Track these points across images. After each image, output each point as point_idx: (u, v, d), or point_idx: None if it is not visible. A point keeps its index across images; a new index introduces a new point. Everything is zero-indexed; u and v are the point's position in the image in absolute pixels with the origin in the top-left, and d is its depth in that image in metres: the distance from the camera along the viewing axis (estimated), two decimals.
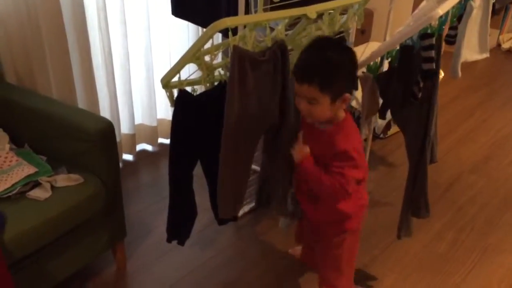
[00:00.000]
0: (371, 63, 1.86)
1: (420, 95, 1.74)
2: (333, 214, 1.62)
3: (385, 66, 1.95)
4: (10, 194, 1.57)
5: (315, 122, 1.52)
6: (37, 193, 1.59)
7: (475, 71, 3.97)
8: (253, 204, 2.39)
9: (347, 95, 1.43)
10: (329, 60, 1.39)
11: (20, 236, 1.48)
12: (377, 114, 2.03)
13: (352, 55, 1.47)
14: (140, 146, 2.81)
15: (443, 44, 4.18)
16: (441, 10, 1.59)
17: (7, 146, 1.77)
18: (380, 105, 1.95)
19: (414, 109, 1.77)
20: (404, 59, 1.75)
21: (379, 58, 1.87)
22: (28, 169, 1.66)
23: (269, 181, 1.89)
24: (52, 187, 1.64)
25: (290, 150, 1.60)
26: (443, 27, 1.72)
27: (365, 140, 2.15)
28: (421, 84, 1.74)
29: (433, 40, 1.68)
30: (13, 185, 1.59)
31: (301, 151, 1.56)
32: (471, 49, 2.13)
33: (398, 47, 1.78)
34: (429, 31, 1.69)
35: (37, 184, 1.63)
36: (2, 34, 1.94)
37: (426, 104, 1.75)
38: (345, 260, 1.71)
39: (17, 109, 1.85)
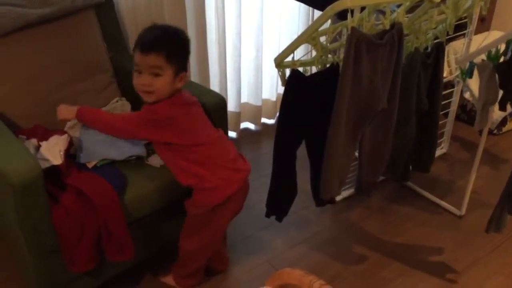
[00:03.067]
0: (492, 50, 1.74)
1: None
2: None
3: None
4: (130, 159, 1.69)
5: (149, 101, 1.50)
6: (154, 161, 1.70)
7: None
8: (352, 191, 2.37)
9: (184, 73, 1.50)
10: (177, 35, 1.50)
11: (138, 198, 1.60)
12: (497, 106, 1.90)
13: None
14: (243, 125, 2.88)
15: None
16: None
17: None
18: (500, 96, 1.82)
19: None
20: None
21: (501, 47, 1.74)
22: None
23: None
24: None
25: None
26: None
27: (480, 134, 2.02)
28: None
29: None
30: None
31: (65, 108, 1.60)
32: None
33: None
34: None
35: (154, 152, 1.74)
36: (130, 10, 2.09)
37: None
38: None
39: None
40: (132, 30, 2.12)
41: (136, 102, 1.97)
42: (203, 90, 1.86)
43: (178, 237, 1.70)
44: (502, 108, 1.84)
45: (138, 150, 1.71)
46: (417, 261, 2.00)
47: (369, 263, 2.00)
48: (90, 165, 1.64)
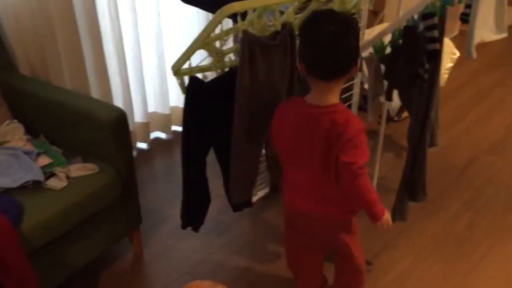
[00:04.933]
0: (377, 44, 1.83)
1: (426, 76, 1.71)
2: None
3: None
4: (27, 184, 1.59)
5: None
6: (53, 183, 1.61)
7: (492, 50, 3.89)
8: (267, 190, 2.39)
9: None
10: (351, 51, 1.35)
11: (38, 225, 1.50)
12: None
13: (353, 21, 1.40)
14: (154, 134, 2.82)
15: (460, 23, 4.08)
16: None
17: (24, 137, 1.79)
18: (386, 87, 1.92)
19: (417, 90, 1.75)
20: (408, 39, 1.72)
21: (386, 39, 1.84)
22: (43, 160, 1.68)
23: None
24: (68, 177, 1.65)
25: None
26: (447, 6, 1.68)
27: (379, 122, 2.12)
28: (427, 66, 1.71)
29: (435, 20, 1.64)
30: None
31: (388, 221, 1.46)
32: (487, 29, 2.07)
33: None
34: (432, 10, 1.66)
35: (52, 175, 1.65)
36: (14, 26, 1.96)
37: (427, 85, 1.73)
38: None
39: (31, 100, 1.87)
40: (18, 47, 1.99)
41: (29, 123, 1.87)
42: (99, 105, 1.80)
43: (87, 261, 1.63)
44: (389, 98, 1.94)
45: (35, 174, 1.60)
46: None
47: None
48: None
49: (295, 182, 1.55)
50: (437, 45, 1.67)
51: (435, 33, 1.65)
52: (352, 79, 1.96)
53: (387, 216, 1.45)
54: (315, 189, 1.51)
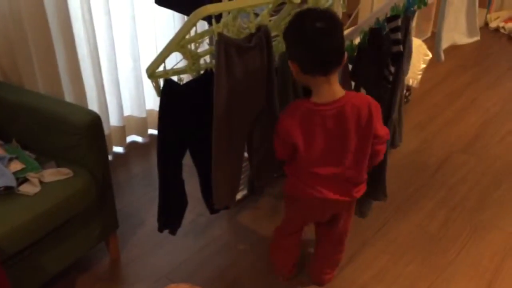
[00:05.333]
0: (346, 44, 1.86)
1: (391, 78, 1.74)
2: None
3: None
4: None
5: None
6: (26, 189, 1.59)
7: (463, 52, 3.98)
8: (245, 192, 2.39)
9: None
10: (341, 43, 1.46)
11: (11, 232, 1.48)
12: None
13: (336, 15, 1.52)
14: (130, 138, 2.79)
15: (432, 24, 4.12)
16: None
17: None
18: (352, 86, 1.95)
19: (382, 91, 1.78)
20: (373, 41, 1.74)
21: (357, 40, 1.86)
22: (15, 165, 1.65)
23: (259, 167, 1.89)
24: (41, 182, 1.63)
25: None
26: (412, 8, 1.71)
27: None
28: (392, 68, 1.74)
29: (399, 22, 1.67)
30: None
31: None
32: (459, 31, 2.12)
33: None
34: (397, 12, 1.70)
35: (25, 180, 1.62)
36: None
37: (390, 87, 1.76)
38: None
39: (3, 104, 1.84)
40: None
41: (0, 129, 1.83)
42: (73, 109, 1.77)
43: (62, 267, 1.61)
44: None
45: (7, 180, 1.57)
46: (309, 254, 2.06)
47: (268, 261, 2.03)
48: None
49: (318, 177, 1.59)
50: (400, 47, 1.70)
51: (399, 35, 1.68)
52: None
53: None
54: (346, 178, 1.59)
